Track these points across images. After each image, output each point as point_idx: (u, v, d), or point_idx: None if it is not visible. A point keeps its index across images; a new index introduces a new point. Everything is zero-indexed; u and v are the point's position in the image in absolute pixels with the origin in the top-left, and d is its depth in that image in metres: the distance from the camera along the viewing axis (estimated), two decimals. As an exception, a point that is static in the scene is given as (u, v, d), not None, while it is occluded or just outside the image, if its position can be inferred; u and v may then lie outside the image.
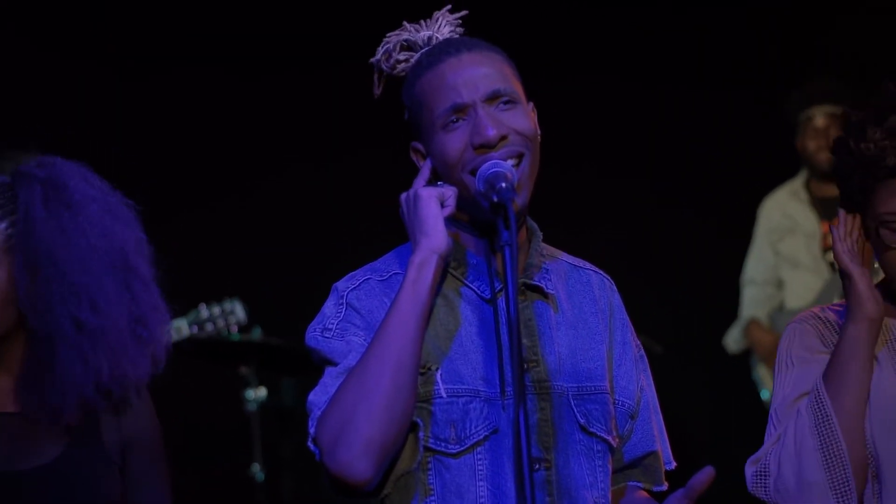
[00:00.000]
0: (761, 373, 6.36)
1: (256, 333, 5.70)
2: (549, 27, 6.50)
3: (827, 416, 2.88)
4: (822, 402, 2.89)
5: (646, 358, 2.86)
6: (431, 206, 2.64)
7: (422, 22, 2.79)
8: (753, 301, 6.41)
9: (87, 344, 2.88)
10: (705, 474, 2.49)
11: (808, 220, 6.31)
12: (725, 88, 6.83)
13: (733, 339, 6.45)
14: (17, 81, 6.11)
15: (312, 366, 6.71)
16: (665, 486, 2.82)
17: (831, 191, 6.27)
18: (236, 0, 6.61)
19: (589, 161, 6.64)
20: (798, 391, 2.95)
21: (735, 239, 6.56)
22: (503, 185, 2.57)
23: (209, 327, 5.44)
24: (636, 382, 2.81)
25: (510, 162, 2.64)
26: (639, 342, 2.87)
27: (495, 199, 2.56)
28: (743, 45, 6.88)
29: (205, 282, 5.72)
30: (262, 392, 5.81)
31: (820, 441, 2.87)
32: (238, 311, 5.50)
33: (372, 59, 2.79)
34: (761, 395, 6.32)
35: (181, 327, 5.33)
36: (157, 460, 2.99)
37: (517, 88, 2.70)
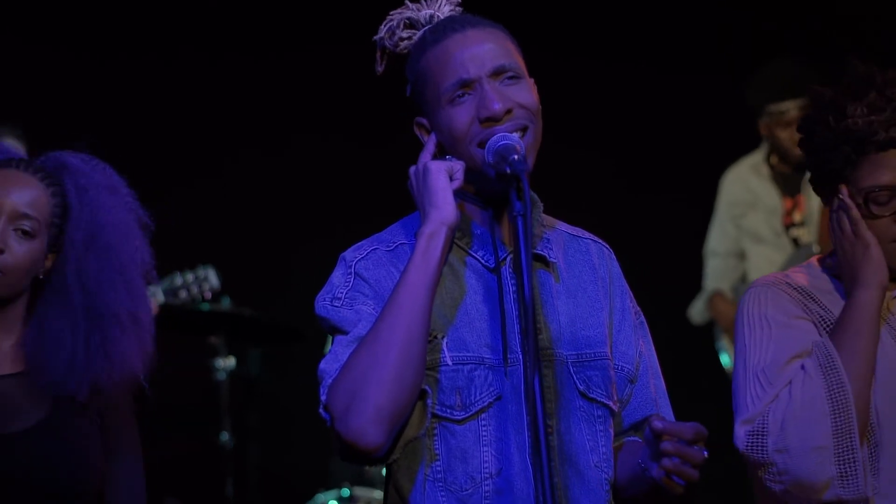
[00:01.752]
0: (724, 343, 6.42)
1: (226, 303, 5.72)
2: (521, 10, 6.54)
3: (841, 382, 2.89)
4: (835, 368, 2.90)
5: (646, 324, 2.92)
6: (441, 178, 2.69)
7: (422, 1, 2.83)
8: (716, 273, 6.46)
9: (132, 331, 3.00)
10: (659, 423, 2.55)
11: (769, 195, 6.36)
12: (685, 67, 6.87)
13: (697, 311, 6.51)
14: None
15: (279, 337, 6.75)
16: None
17: (792, 168, 6.35)
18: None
19: (556, 139, 6.68)
20: (787, 353, 2.96)
21: (696, 211, 6.62)
22: (515, 156, 2.63)
23: (183, 294, 5.46)
24: (635, 347, 2.87)
25: (516, 134, 2.70)
26: (638, 309, 2.93)
27: (508, 171, 2.62)
28: (700, 26, 6.92)
29: (176, 251, 5.75)
30: (230, 361, 5.84)
31: (832, 406, 2.89)
32: (211, 277, 5.51)
33: (375, 37, 2.83)
34: (722, 361, 6.39)
35: (156, 294, 5.36)
36: (131, 422, 3.08)
37: (520, 64, 2.76)
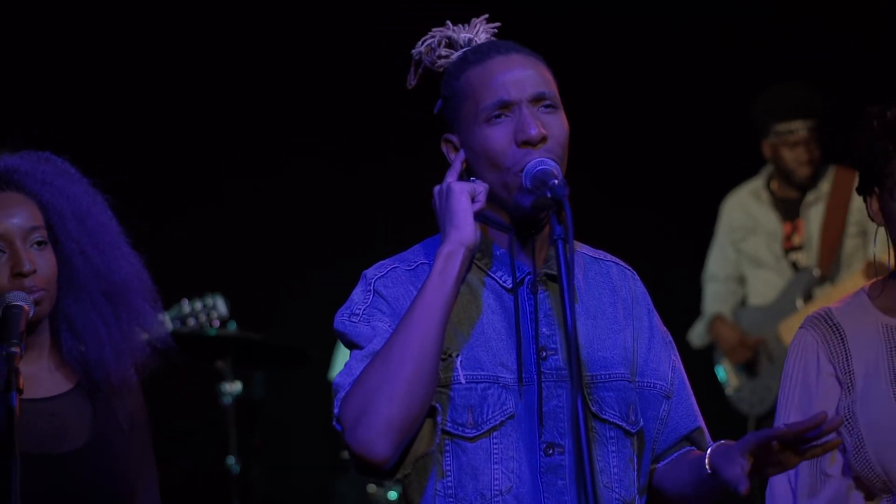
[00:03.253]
0: (725, 367, 6.45)
1: (233, 328, 5.76)
2: (515, 33, 6.59)
3: None
4: None
5: (674, 344, 2.95)
6: (463, 200, 2.72)
7: (460, 25, 2.89)
8: (716, 297, 6.49)
9: (144, 293, 3.09)
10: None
11: (769, 219, 6.40)
12: (683, 91, 6.91)
13: (697, 335, 6.53)
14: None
15: (285, 360, 6.77)
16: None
17: (793, 192, 6.39)
18: (215, 2, 6.66)
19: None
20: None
21: (696, 236, 6.66)
22: (555, 181, 2.68)
23: (191, 322, 5.50)
24: (667, 364, 2.90)
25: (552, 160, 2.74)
26: (666, 329, 2.96)
27: (549, 195, 2.67)
28: (704, 47, 6.96)
29: (184, 278, 5.79)
30: (237, 386, 5.86)
31: None
32: (220, 305, 5.55)
33: (413, 51, 2.88)
34: (719, 377, 6.41)
35: (164, 322, 5.39)
36: (150, 440, 3.14)
37: (557, 95, 2.81)
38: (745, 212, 6.43)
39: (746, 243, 6.42)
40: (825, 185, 6.33)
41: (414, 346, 2.66)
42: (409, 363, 2.65)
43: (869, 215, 3.03)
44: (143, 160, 6.39)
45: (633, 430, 2.83)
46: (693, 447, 2.90)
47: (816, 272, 6.22)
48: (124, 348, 3.03)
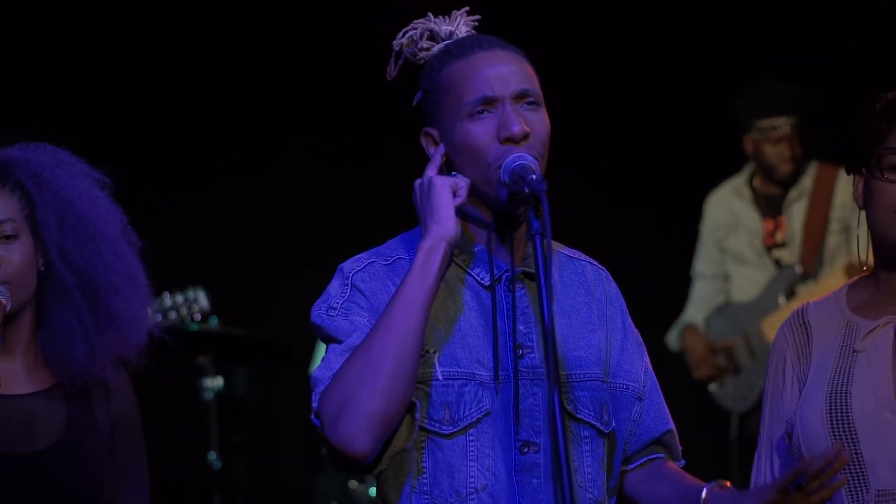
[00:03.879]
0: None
1: (214, 323, 5.73)
2: (514, 28, 6.59)
3: None
4: None
5: (644, 345, 2.94)
6: (444, 194, 2.72)
7: (441, 17, 2.87)
8: (699, 298, 6.50)
9: (128, 291, 3.04)
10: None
11: (750, 216, 6.41)
12: (668, 88, 6.91)
13: (673, 339, 6.55)
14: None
15: (267, 356, 6.76)
16: (683, 462, 2.92)
17: (775, 188, 6.40)
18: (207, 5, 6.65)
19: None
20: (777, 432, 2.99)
21: (682, 234, 6.66)
22: (533, 176, 2.67)
23: (173, 315, 5.49)
24: (640, 365, 2.89)
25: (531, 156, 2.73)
26: (637, 331, 2.95)
27: (526, 190, 2.66)
28: (686, 45, 6.96)
29: (166, 272, 5.77)
30: (218, 381, 5.86)
31: None
32: (201, 299, 5.54)
33: (393, 42, 2.86)
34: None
35: (152, 322, 5.38)
36: (140, 442, 3.13)
37: (540, 92, 2.80)
38: (728, 209, 6.44)
39: (729, 241, 6.43)
40: (807, 182, 6.34)
41: (395, 341, 2.64)
42: (390, 358, 2.64)
43: (854, 197, 3.02)
44: (127, 154, 6.36)
45: (606, 431, 2.83)
46: (663, 455, 2.90)
47: (799, 269, 6.23)
48: (99, 348, 2.99)
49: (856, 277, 3.07)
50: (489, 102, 2.75)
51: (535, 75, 2.82)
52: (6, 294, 2.94)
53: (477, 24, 2.88)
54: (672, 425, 2.91)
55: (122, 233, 3.10)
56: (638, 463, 2.89)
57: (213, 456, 5.85)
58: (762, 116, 6.28)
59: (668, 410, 2.92)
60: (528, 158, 2.71)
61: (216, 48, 6.62)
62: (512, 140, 2.73)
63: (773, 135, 6.27)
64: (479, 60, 2.77)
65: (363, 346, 2.67)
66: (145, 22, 6.53)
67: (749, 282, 6.36)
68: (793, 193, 6.34)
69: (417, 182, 2.76)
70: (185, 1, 6.61)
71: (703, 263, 6.50)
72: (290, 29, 6.68)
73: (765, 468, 3.00)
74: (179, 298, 5.50)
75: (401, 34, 2.86)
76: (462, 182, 2.74)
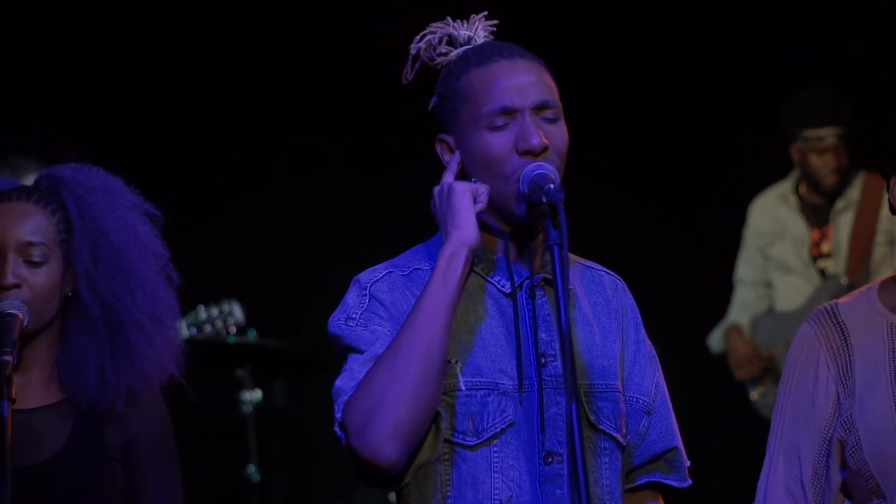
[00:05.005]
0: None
1: (252, 336, 5.74)
2: (535, 40, 6.55)
3: None
4: None
5: (657, 359, 2.90)
6: (465, 200, 2.69)
7: (459, 21, 2.83)
8: (744, 302, 6.44)
9: (153, 330, 3.01)
10: None
11: (797, 224, 6.34)
12: (706, 96, 6.86)
13: (716, 340, 6.49)
14: (11, 91, 6.16)
15: (306, 368, 6.77)
16: (689, 482, 2.86)
17: (821, 198, 6.33)
18: (236, 10, 6.64)
19: (575, 169, 6.68)
20: (808, 445, 2.91)
21: (721, 237, 6.61)
22: (551, 185, 2.63)
23: (208, 328, 5.48)
24: (651, 379, 2.84)
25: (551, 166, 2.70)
26: (650, 343, 2.90)
27: (544, 200, 2.62)
28: (723, 54, 6.92)
29: (202, 284, 5.76)
30: (257, 394, 5.85)
31: None
32: (236, 312, 5.53)
33: (411, 46, 2.82)
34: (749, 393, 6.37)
35: (181, 329, 5.37)
36: (167, 461, 3.08)
37: (559, 104, 2.77)
38: (773, 216, 6.38)
39: (774, 248, 6.37)
40: (854, 193, 6.27)
41: (420, 348, 2.61)
42: (416, 364, 2.60)
43: (890, 202, 2.95)
44: (160, 167, 6.37)
45: (624, 443, 2.79)
46: (660, 477, 2.84)
47: (844, 280, 6.15)
48: (111, 380, 2.96)
49: (885, 277, 3.00)
50: (508, 113, 2.71)
51: (555, 86, 2.78)
52: (24, 309, 2.92)
53: (495, 29, 2.84)
54: (678, 443, 2.85)
55: (158, 269, 3.07)
56: (638, 483, 2.84)
57: (251, 469, 5.83)
58: (808, 126, 6.22)
59: (676, 428, 2.86)
60: (548, 168, 2.67)
61: (252, 59, 6.63)
62: (531, 153, 2.69)
63: (819, 145, 6.21)
64: (499, 69, 2.73)
65: (388, 354, 2.63)
66: (184, 35, 6.54)
67: (793, 291, 6.30)
68: (840, 204, 6.26)
69: (436, 189, 2.73)
70: (220, 14, 6.60)
71: (746, 269, 6.44)
72: (324, 39, 6.68)
73: (782, 474, 2.91)
74: (214, 311, 5.49)
75: (418, 38, 2.81)
76: (482, 188, 2.71)
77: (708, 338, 6.50)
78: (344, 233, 6.62)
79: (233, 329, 5.53)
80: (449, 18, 2.82)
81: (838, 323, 2.93)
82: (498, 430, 2.69)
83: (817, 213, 6.32)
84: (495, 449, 2.69)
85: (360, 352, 2.70)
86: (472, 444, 2.68)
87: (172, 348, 3.07)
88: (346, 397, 2.65)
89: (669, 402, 2.89)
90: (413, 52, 2.81)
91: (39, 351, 3.01)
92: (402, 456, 2.60)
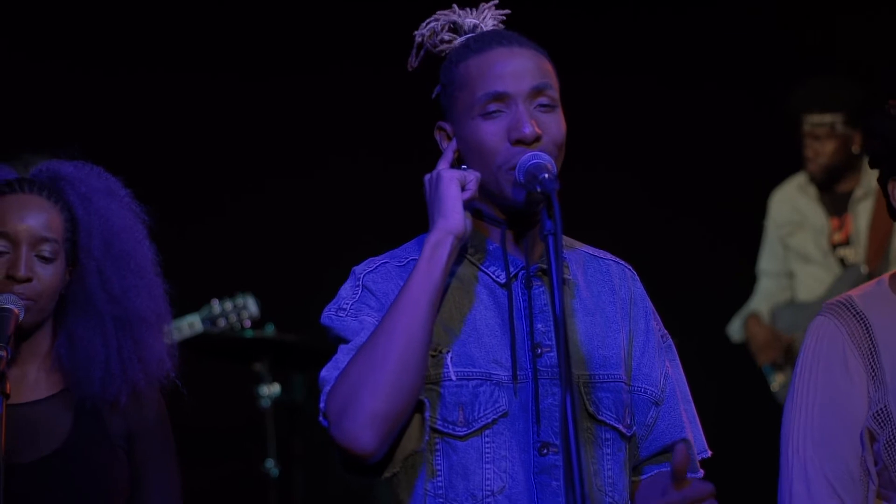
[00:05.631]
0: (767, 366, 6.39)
1: (270, 330, 5.73)
2: (554, 29, 6.53)
3: None
4: None
5: (674, 348, 2.87)
6: (452, 188, 2.67)
7: (467, 9, 2.82)
8: (765, 293, 6.41)
9: (159, 331, 3.05)
10: (680, 454, 2.51)
11: (816, 214, 6.31)
12: (721, 84, 6.82)
13: (735, 329, 6.46)
14: (22, 87, 6.16)
15: (324, 362, 6.76)
16: (700, 473, 2.83)
17: (840, 186, 6.29)
18: (243, 4, 6.64)
19: (591, 158, 6.66)
20: (841, 432, 2.88)
21: (739, 227, 6.58)
22: (545, 175, 2.61)
23: (222, 322, 5.47)
24: (660, 370, 2.81)
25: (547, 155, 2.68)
26: (665, 332, 2.88)
27: (539, 190, 2.60)
28: (740, 40, 6.88)
29: (219, 279, 5.76)
30: (275, 388, 5.84)
31: None
32: (251, 305, 5.52)
33: (415, 32, 2.81)
34: (764, 371, 6.35)
35: (194, 323, 5.36)
36: (166, 449, 3.07)
37: (557, 92, 2.74)
38: (792, 206, 6.35)
39: (794, 238, 6.34)
40: (873, 181, 6.22)
41: (399, 337, 2.60)
42: (395, 354, 2.59)
43: (890, 206, 2.93)
44: (176, 158, 6.37)
45: (628, 434, 2.76)
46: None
47: (864, 269, 6.12)
48: (117, 374, 2.98)
49: (894, 271, 2.98)
50: (500, 99, 2.69)
51: (555, 75, 2.76)
52: (19, 303, 2.92)
53: (504, 18, 2.83)
54: (687, 434, 2.82)
55: (157, 272, 3.10)
56: (648, 474, 2.81)
57: (270, 464, 5.82)
58: (806, 112, 6.18)
59: (686, 420, 2.83)
60: (544, 157, 2.65)
61: (267, 49, 6.61)
62: (523, 142, 2.67)
63: (814, 132, 6.17)
64: (496, 56, 2.72)
65: (368, 343, 2.63)
66: (192, 26, 6.54)
67: (814, 281, 6.27)
68: (858, 192, 6.23)
69: (427, 176, 2.72)
70: (227, 5, 6.59)
71: (768, 261, 6.41)
72: (338, 28, 6.67)
73: (827, 473, 2.86)
74: (229, 305, 5.48)
75: (423, 25, 2.80)
76: (471, 175, 2.69)
77: (727, 327, 6.47)
78: (363, 225, 6.60)
79: (247, 323, 5.52)
80: (455, 6, 2.81)
81: (858, 314, 2.90)
82: (489, 420, 2.67)
83: (836, 202, 6.29)
84: (487, 439, 2.67)
85: (347, 342, 2.70)
86: (462, 434, 2.67)
87: (171, 347, 3.09)
88: (328, 387, 2.65)
89: (686, 393, 2.86)
90: (418, 39, 2.80)
91: (36, 345, 3.02)
92: (379, 445, 2.59)
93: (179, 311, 5.31)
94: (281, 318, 5.83)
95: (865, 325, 2.89)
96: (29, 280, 2.95)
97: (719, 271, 6.68)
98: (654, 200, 6.84)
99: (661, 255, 6.66)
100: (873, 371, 2.87)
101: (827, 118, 6.15)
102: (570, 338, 2.73)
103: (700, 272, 6.74)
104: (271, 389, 5.81)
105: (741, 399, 6.48)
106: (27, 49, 6.28)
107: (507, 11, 2.83)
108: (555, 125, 2.71)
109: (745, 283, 6.50)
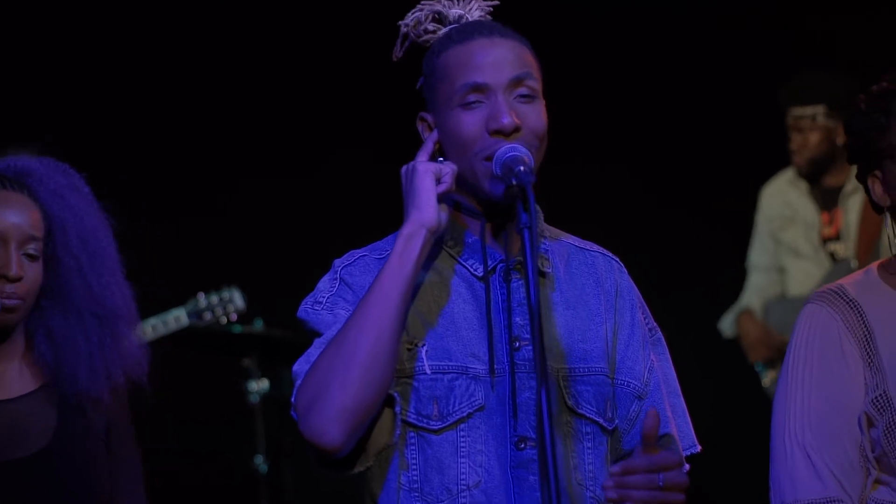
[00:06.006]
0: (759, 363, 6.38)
1: (258, 325, 5.71)
2: (547, 24, 6.51)
3: None
4: None
5: (663, 341, 2.85)
6: (426, 180, 2.65)
7: (455, 0, 2.80)
8: (755, 287, 6.39)
9: (134, 328, 3.05)
10: (650, 418, 2.51)
11: (807, 209, 6.30)
12: (715, 79, 6.81)
13: (727, 324, 6.44)
14: (15, 83, 6.14)
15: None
16: (686, 468, 2.79)
17: (830, 180, 6.28)
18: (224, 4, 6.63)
19: (583, 153, 6.66)
20: (837, 414, 2.86)
21: (732, 222, 6.57)
22: (521, 168, 2.59)
23: (208, 316, 5.44)
24: (643, 363, 2.79)
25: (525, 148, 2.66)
26: (655, 325, 2.86)
27: (514, 182, 2.58)
28: (736, 36, 6.87)
29: (207, 273, 5.74)
30: (264, 384, 5.82)
31: None
32: (237, 298, 5.49)
33: (400, 22, 2.80)
34: (756, 367, 6.35)
35: (180, 316, 5.33)
36: (133, 444, 3.07)
37: (538, 82, 2.72)
38: (783, 200, 6.34)
39: (785, 233, 6.33)
40: (864, 175, 6.21)
41: (369, 331, 2.59)
42: (364, 348, 2.58)
43: (872, 201, 2.92)
44: (159, 153, 6.36)
45: (609, 427, 2.74)
46: None
47: (854, 264, 6.11)
48: (100, 369, 2.97)
49: (881, 260, 2.98)
50: (479, 90, 2.67)
51: (537, 65, 2.74)
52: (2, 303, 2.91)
53: (491, 9, 2.81)
54: (671, 430, 2.80)
55: (123, 271, 3.09)
56: None
57: (259, 460, 5.81)
58: (790, 104, 6.18)
59: (670, 415, 2.81)
60: (521, 150, 2.63)
61: (252, 45, 6.61)
62: (501, 133, 2.66)
63: (797, 124, 6.17)
64: (476, 47, 2.70)
65: (337, 337, 2.61)
66: (183, 20, 6.52)
67: (805, 276, 6.25)
68: (849, 186, 6.21)
69: (403, 168, 2.71)
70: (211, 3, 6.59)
71: (758, 255, 6.40)
72: (329, 25, 6.66)
73: (828, 462, 2.83)
74: (214, 299, 5.46)
75: (408, 15, 2.79)
76: (447, 168, 2.68)
77: (719, 322, 6.46)
78: (353, 220, 6.58)
79: (234, 316, 5.49)
80: None
81: (850, 301, 2.87)
82: (465, 414, 2.66)
83: (827, 197, 6.27)
84: (462, 433, 2.66)
85: (320, 335, 2.69)
86: (436, 427, 2.65)
87: (143, 345, 3.09)
88: (299, 381, 2.65)
89: (674, 387, 2.84)
90: (403, 29, 2.79)
91: (14, 342, 2.99)
92: (347, 440, 2.58)
93: (165, 304, 5.34)
94: (270, 314, 5.82)
95: (859, 311, 2.86)
96: (20, 279, 2.93)
97: (712, 265, 6.68)
98: (647, 195, 6.84)
99: (655, 250, 6.66)
100: (870, 357, 2.84)
101: (808, 110, 6.13)
102: (550, 331, 2.72)
103: (693, 266, 6.74)
104: (260, 385, 5.80)
105: (733, 394, 6.48)
106: (27, 48, 6.28)
107: (496, 2, 2.81)
108: (535, 116, 2.69)
109: (738, 277, 6.49)
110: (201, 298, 5.46)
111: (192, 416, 6.39)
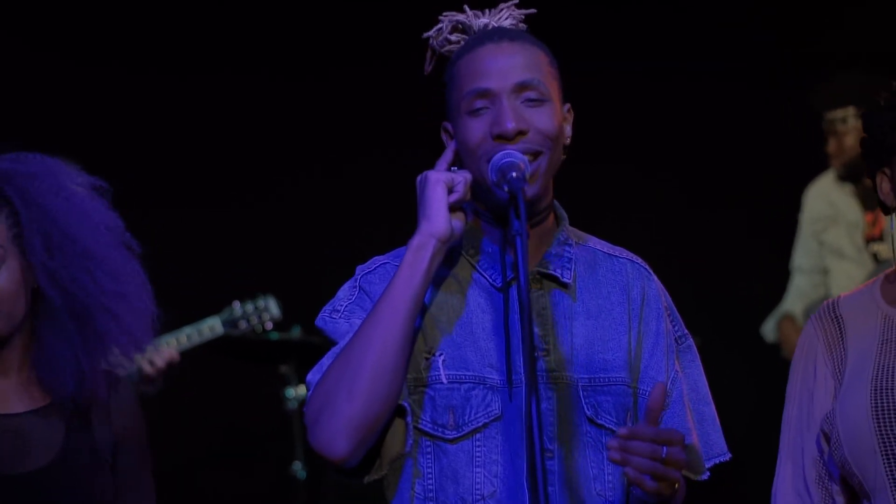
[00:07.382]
0: None
1: (296, 332, 5.70)
2: (575, 22, 6.48)
3: None
4: None
5: (694, 348, 2.82)
6: (438, 190, 2.63)
7: (486, 10, 2.79)
8: (798, 290, 6.35)
9: (119, 308, 2.92)
10: (657, 390, 2.50)
11: (851, 209, 6.25)
12: (759, 80, 6.79)
13: (769, 329, 6.41)
14: (30, 86, 6.16)
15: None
16: (707, 475, 2.77)
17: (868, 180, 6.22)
18: (258, 5, 6.61)
19: (622, 155, 6.63)
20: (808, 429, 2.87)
21: (774, 225, 6.53)
22: (514, 174, 2.57)
23: (243, 325, 5.43)
24: (666, 372, 2.76)
25: (522, 155, 2.63)
26: (685, 332, 2.82)
27: (506, 188, 2.57)
28: (777, 39, 6.83)
29: (244, 281, 5.73)
30: (302, 390, 5.81)
31: None
32: (272, 307, 5.48)
33: (425, 34, 2.79)
34: None
35: (215, 325, 5.32)
36: (145, 459, 3.01)
37: (550, 88, 2.69)
38: (827, 201, 6.30)
39: (828, 234, 6.29)
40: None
41: (377, 342, 2.58)
42: (371, 359, 2.57)
43: (879, 201, 2.87)
44: (196, 163, 6.37)
45: None
46: None
47: (897, 264, 6.05)
48: (88, 369, 2.89)
49: (890, 270, 2.90)
50: (485, 95, 2.66)
51: (552, 69, 2.71)
52: None
53: (524, 17, 2.78)
54: (692, 440, 2.76)
55: (115, 243, 2.97)
56: None
57: (297, 466, 5.80)
58: (824, 108, 6.17)
59: (692, 426, 2.77)
60: (517, 156, 2.61)
61: (287, 49, 6.59)
62: (503, 137, 2.64)
63: (831, 128, 6.16)
64: (483, 53, 2.69)
65: (346, 349, 2.61)
66: (224, 26, 6.54)
67: (847, 277, 6.21)
68: (892, 185, 6.16)
69: (418, 177, 2.69)
70: (245, 4, 6.57)
71: (802, 257, 6.36)
72: (358, 31, 6.65)
73: (790, 476, 2.86)
74: (250, 307, 5.44)
75: (434, 27, 2.78)
76: (459, 177, 2.66)
77: (762, 327, 6.41)
78: (389, 225, 6.56)
79: (269, 325, 5.48)
80: (467, 7, 2.78)
81: (836, 317, 2.87)
82: (481, 424, 2.64)
83: (871, 197, 6.21)
84: (478, 443, 2.64)
85: (335, 344, 2.68)
86: (451, 437, 2.64)
87: (143, 319, 2.96)
88: (311, 391, 2.64)
89: (704, 395, 2.81)
90: (430, 43, 2.78)
91: (15, 354, 2.93)
92: (354, 451, 2.58)
93: (200, 313, 5.32)
94: (307, 320, 5.80)
95: (840, 326, 2.87)
96: None
97: (756, 269, 6.64)
98: (690, 197, 6.81)
99: (696, 254, 6.63)
100: (840, 374, 2.84)
101: (839, 113, 6.13)
102: (569, 341, 2.70)
103: (736, 269, 6.71)
104: (298, 391, 5.80)
105: (776, 399, 6.43)
106: (30, 42, 6.28)
107: (532, 11, 2.79)
108: (543, 118, 2.66)
109: (781, 280, 6.44)
110: (236, 307, 5.44)
111: (230, 424, 6.40)
